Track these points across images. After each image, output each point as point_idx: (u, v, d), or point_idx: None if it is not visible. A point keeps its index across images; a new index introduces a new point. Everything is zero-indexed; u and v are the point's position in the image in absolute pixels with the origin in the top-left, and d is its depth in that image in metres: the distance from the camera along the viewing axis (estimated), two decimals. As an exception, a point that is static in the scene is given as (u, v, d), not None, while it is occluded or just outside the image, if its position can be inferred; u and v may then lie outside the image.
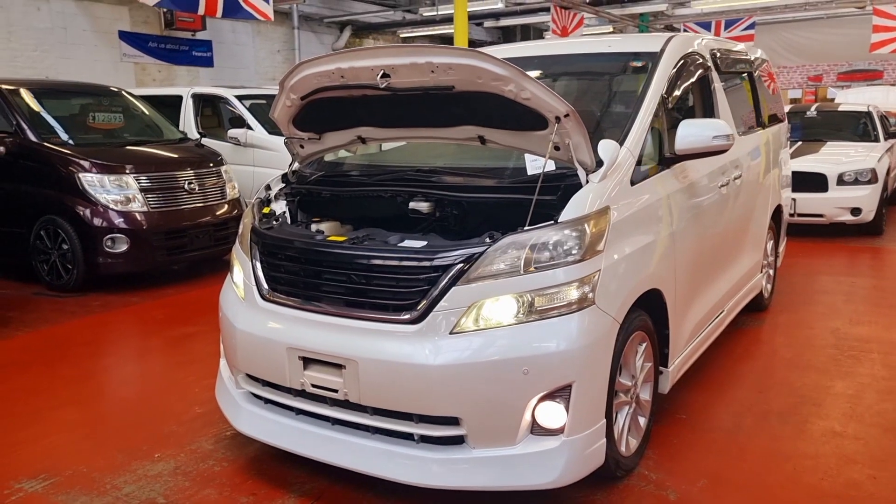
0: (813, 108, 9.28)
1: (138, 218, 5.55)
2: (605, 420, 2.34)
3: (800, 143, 8.20)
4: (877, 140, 8.25)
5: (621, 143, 2.62)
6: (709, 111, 3.51)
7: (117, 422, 3.24)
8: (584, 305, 2.25)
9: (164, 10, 11.56)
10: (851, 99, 14.06)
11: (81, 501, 2.54)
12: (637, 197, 2.62)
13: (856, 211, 7.17)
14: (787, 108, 9.37)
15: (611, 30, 17.46)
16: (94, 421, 3.28)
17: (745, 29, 15.20)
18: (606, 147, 2.51)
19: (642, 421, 2.72)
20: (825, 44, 17.37)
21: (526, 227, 2.29)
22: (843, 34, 16.78)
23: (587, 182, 2.42)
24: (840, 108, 9.35)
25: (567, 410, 2.21)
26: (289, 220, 2.91)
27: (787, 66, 18.26)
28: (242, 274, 2.76)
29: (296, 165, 3.08)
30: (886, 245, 7.13)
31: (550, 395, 2.21)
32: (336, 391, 2.37)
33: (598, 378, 2.29)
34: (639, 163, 2.69)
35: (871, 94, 14.77)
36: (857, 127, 8.63)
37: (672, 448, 2.83)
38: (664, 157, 2.89)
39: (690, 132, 2.85)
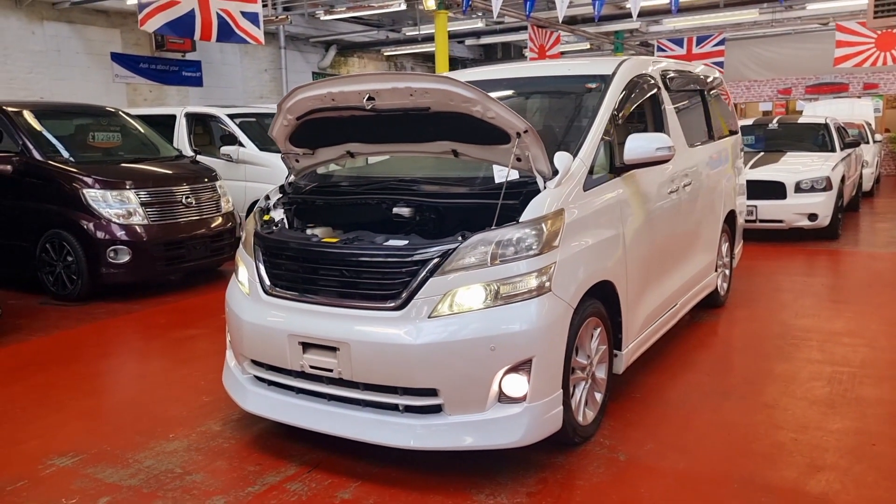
0: (775, 121, 9.84)
1: (139, 231, 5.89)
2: (561, 391, 2.73)
3: (762, 153, 8.73)
4: (833, 150, 8.81)
5: (575, 155, 3.04)
6: (658, 126, 3.96)
7: (132, 410, 3.59)
8: (542, 292, 2.65)
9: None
10: (820, 111, 14.72)
11: (108, 473, 2.88)
12: (589, 201, 3.04)
13: (812, 216, 7.69)
14: (751, 121, 9.96)
15: (588, 47, 18.11)
16: (112, 410, 3.64)
17: (716, 45, 15.84)
18: (561, 158, 2.93)
19: (598, 396, 3.12)
20: (793, 58, 18.09)
21: (492, 227, 2.70)
22: (809, 49, 17.50)
23: (545, 188, 2.84)
24: (799, 121, 9.92)
25: (528, 381, 2.61)
26: (286, 226, 3.30)
27: (758, 80, 18.95)
28: (247, 273, 3.14)
29: (292, 178, 3.48)
30: (841, 248, 7.64)
31: (514, 369, 2.60)
32: (331, 371, 2.75)
33: (555, 354, 2.69)
34: (591, 171, 3.11)
35: (838, 107, 15.47)
36: (816, 138, 9.19)
37: (626, 421, 3.23)
38: (615, 166, 3.32)
39: (637, 145, 3.28)
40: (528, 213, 2.73)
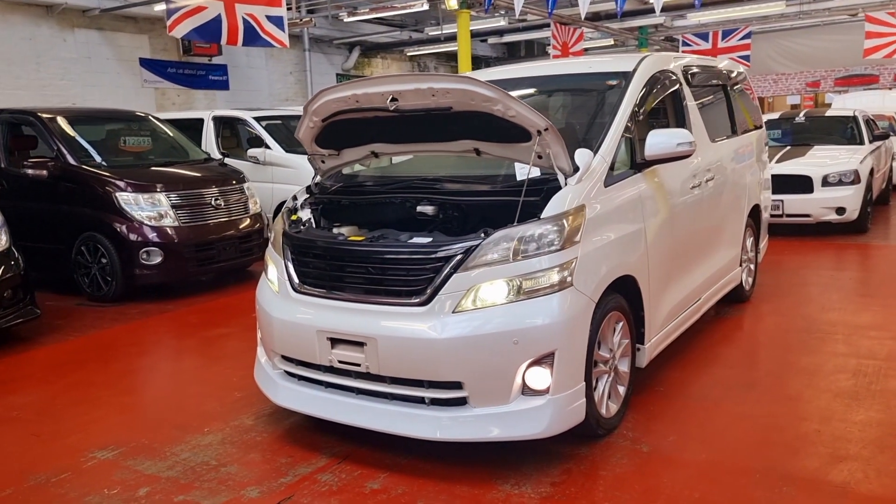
0: (801, 115, 9.70)
1: (170, 232, 6.05)
2: (584, 383, 2.78)
3: (788, 147, 8.62)
4: (862, 143, 8.65)
5: (595, 152, 3.08)
6: (680, 122, 3.97)
7: (168, 406, 3.72)
8: (564, 287, 2.70)
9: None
10: (850, 104, 14.40)
11: (147, 465, 3.01)
12: (610, 197, 3.08)
13: (840, 210, 7.57)
14: (777, 115, 9.83)
15: (612, 43, 18.00)
16: (148, 405, 3.78)
17: (742, 38, 15.63)
18: (582, 155, 2.97)
19: (621, 389, 3.15)
20: (822, 50, 17.77)
21: (514, 224, 2.75)
22: (838, 40, 17.18)
23: (566, 185, 2.88)
24: (827, 114, 9.76)
25: (551, 374, 2.66)
26: (314, 226, 3.39)
27: (786, 73, 18.64)
28: (276, 271, 3.24)
29: (318, 178, 3.57)
30: (870, 242, 7.52)
31: (537, 362, 2.66)
32: (359, 365, 2.84)
33: (577, 347, 2.74)
34: (612, 168, 3.15)
35: (868, 99, 15.11)
36: (845, 131, 9.04)
37: (649, 413, 3.26)
38: (636, 162, 3.35)
39: (657, 140, 3.31)
40: (550, 210, 2.78)
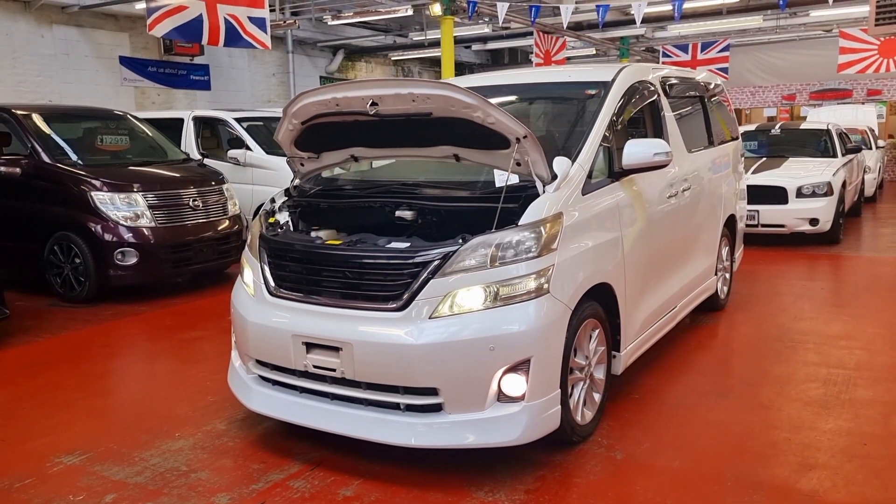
0: (777, 127, 9.90)
1: (146, 233, 5.97)
2: (559, 390, 2.79)
3: (764, 158, 8.78)
4: (835, 156, 8.84)
5: (573, 160, 3.10)
6: (657, 132, 4.02)
7: (139, 409, 3.65)
8: (541, 294, 2.71)
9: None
10: (824, 117, 14.74)
11: (115, 471, 2.95)
12: (588, 205, 3.10)
13: (813, 221, 7.72)
14: (754, 127, 10.01)
15: (594, 52, 18.19)
16: (118, 409, 3.71)
17: (721, 51, 15.91)
18: (560, 163, 2.99)
19: (597, 396, 3.17)
20: (797, 64, 18.13)
21: (493, 230, 2.76)
22: (813, 55, 17.55)
23: (544, 192, 2.90)
24: (802, 127, 9.96)
25: (527, 381, 2.66)
26: (291, 229, 3.36)
27: (763, 86, 18.98)
28: (252, 274, 3.20)
29: (297, 181, 3.55)
30: (842, 252, 7.68)
31: (513, 368, 2.66)
32: (334, 370, 2.82)
33: (553, 354, 2.75)
34: (590, 176, 3.17)
35: (842, 113, 15.47)
36: (818, 143, 9.24)
37: (623, 420, 3.28)
38: (614, 171, 3.38)
39: (635, 150, 3.34)
40: (528, 217, 2.79)
